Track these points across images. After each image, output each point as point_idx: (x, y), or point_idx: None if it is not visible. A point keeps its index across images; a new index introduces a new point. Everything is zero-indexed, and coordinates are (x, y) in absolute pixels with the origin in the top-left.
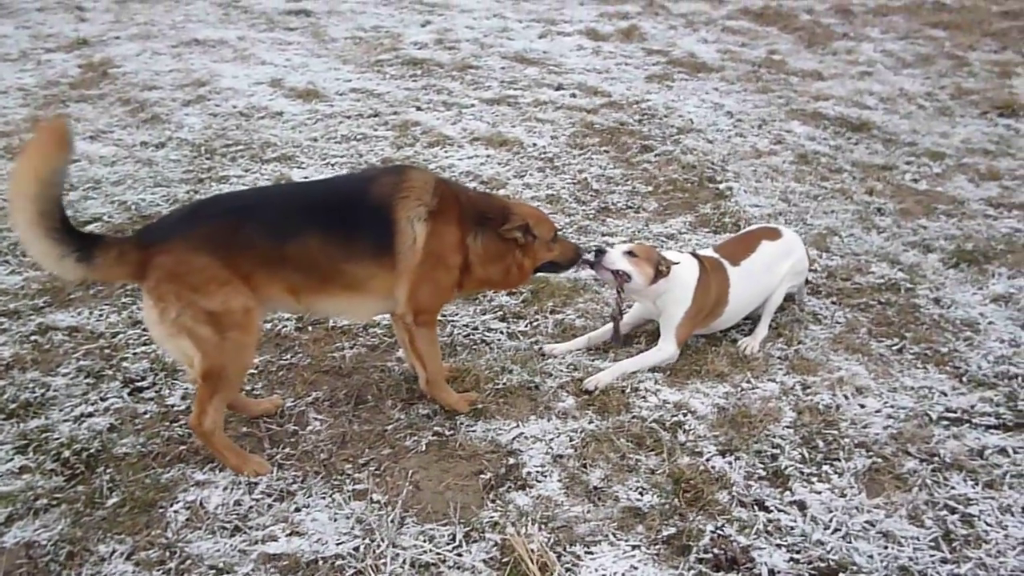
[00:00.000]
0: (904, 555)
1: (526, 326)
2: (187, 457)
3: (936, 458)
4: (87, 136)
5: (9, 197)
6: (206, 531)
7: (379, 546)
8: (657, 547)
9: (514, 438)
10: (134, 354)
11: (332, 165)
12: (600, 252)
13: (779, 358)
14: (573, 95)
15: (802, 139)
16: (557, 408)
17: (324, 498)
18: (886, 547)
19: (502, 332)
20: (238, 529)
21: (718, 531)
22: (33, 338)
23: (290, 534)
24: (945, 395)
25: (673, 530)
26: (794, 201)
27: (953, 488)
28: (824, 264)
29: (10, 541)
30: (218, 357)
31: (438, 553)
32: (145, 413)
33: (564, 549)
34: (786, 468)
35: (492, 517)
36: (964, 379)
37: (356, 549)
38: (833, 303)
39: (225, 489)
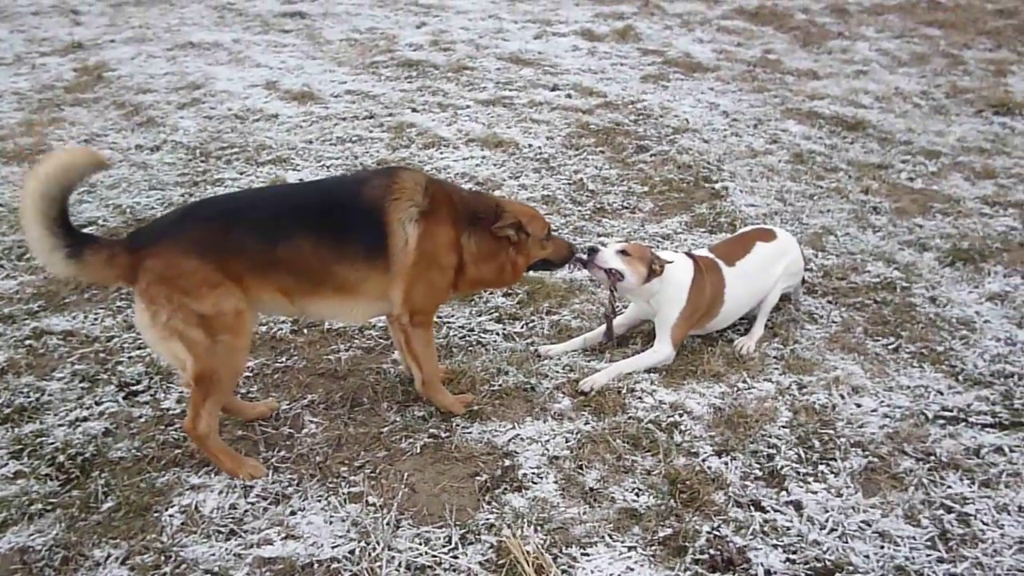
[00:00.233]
0: (900, 555)
1: (522, 327)
2: (182, 461)
3: (932, 457)
4: (82, 140)
5: (34, 181)
6: (201, 535)
7: (375, 549)
8: (653, 548)
9: (510, 440)
10: (129, 358)
11: (327, 167)
12: (593, 251)
13: (775, 358)
14: (569, 96)
15: (798, 138)
16: (553, 409)
17: (319, 501)
18: (882, 547)
19: (498, 333)
20: (233, 533)
21: (714, 532)
22: (28, 342)
23: (285, 537)
24: (941, 394)
25: (669, 531)
26: (790, 200)
27: (949, 487)
28: (820, 263)
29: (4, 546)
30: (210, 360)
31: (434, 555)
32: (140, 417)
33: (560, 551)
34: (782, 468)
35: (488, 519)
36: (960, 378)
37: (352, 552)
38: (829, 302)
39: (220, 493)
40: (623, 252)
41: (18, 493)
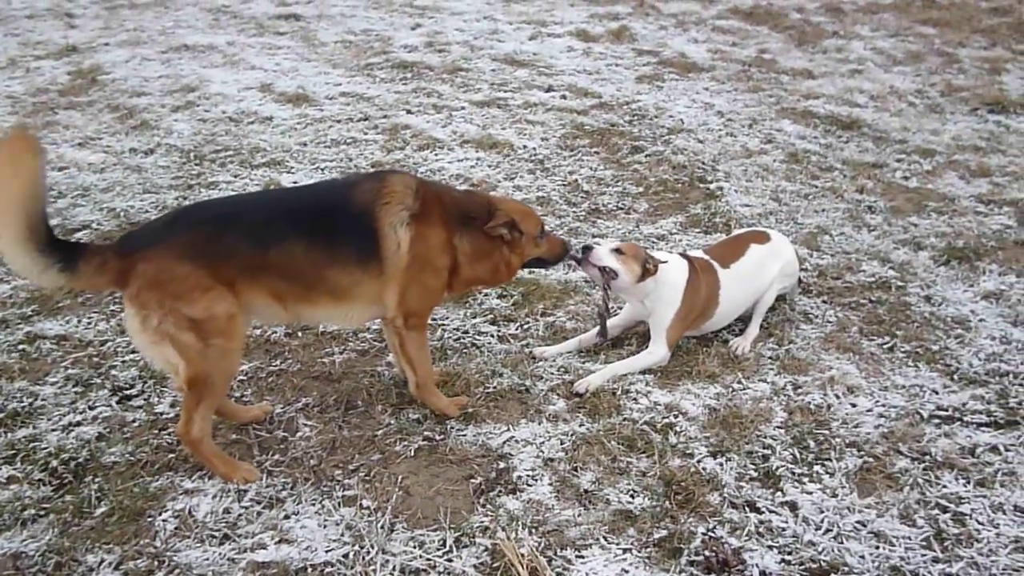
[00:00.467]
0: (896, 555)
1: (517, 329)
2: (176, 465)
3: (927, 457)
4: (76, 143)
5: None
6: (195, 540)
7: (368, 552)
8: (648, 550)
9: (504, 442)
10: (123, 362)
11: (322, 170)
12: (587, 249)
13: (770, 358)
14: (563, 96)
15: (792, 138)
16: (548, 411)
17: (313, 505)
18: (878, 547)
19: (492, 335)
20: (227, 537)
21: (709, 533)
22: (21, 347)
23: (279, 541)
24: (936, 393)
25: (664, 533)
26: (785, 200)
27: (945, 487)
28: (815, 263)
29: None
30: (202, 364)
31: (428, 559)
32: (134, 421)
33: (555, 553)
34: (777, 469)
35: (482, 522)
36: (955, 377)
37: (345, 556)
38: (824, 302)
39: (214, 497)
40: (617, 251)
41: (11, 499)
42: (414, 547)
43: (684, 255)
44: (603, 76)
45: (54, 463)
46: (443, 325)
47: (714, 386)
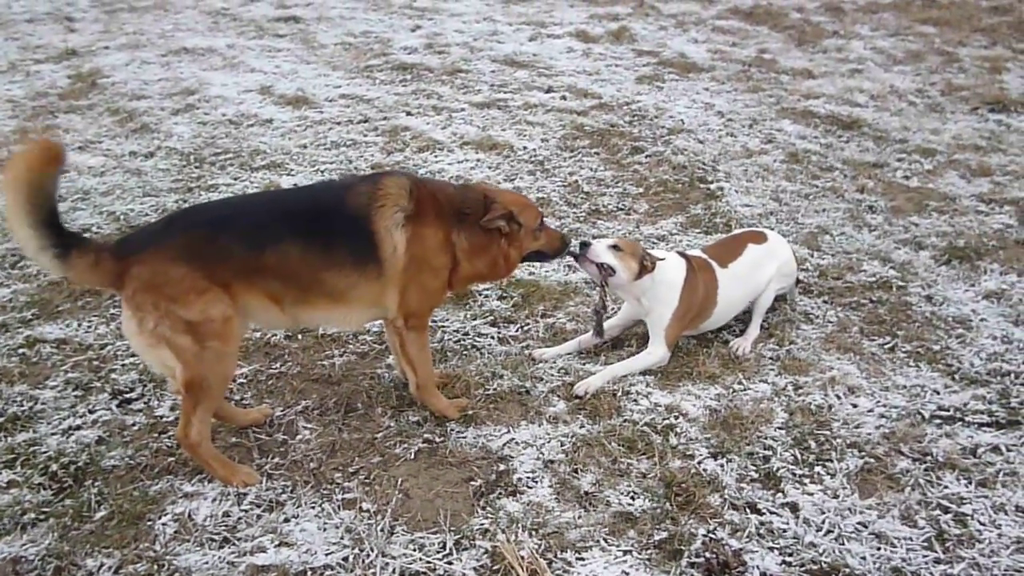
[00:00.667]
0: (897, 556)
1: (517, 331)
2: (175, 469)
3: (929, 457)
4: (76, 147)
5: (5, 184)
6: (194, 543)
7: (368, 555)
8: (649, 552)
9: (505, 444)
10: (122, 366)
11: (322, 172)
12: (585, 244)
13: (771, 359)
14: (563, 97)
15: (793, 138)
16: (548, 413)
17: (313, 508)
18: (879, 548)
19: (493, 337)
20: (227, 541)
21: (710, 535)
22: (21, 351)
23: (279, 545)
24: (937, 393)
25: (665, 534)
26: (785, 200)
27: (946, 487)
28: (815, 263)
29: None
30: (199, 367)
31: (428, 562)
32: (133, 425)
33: (555, 555)
34: (778, 470)
35: (482, 524)
36: (956, 377)
37: (345, 559)
38: (824, 302)
39: (214, 500)
40: (615, 247)
41: (11, 503)
42: (414, 550)
43: (682, 254)
44: (603, 77)
45: (54, 467)
46: (443, 327)
47: (714, 387)
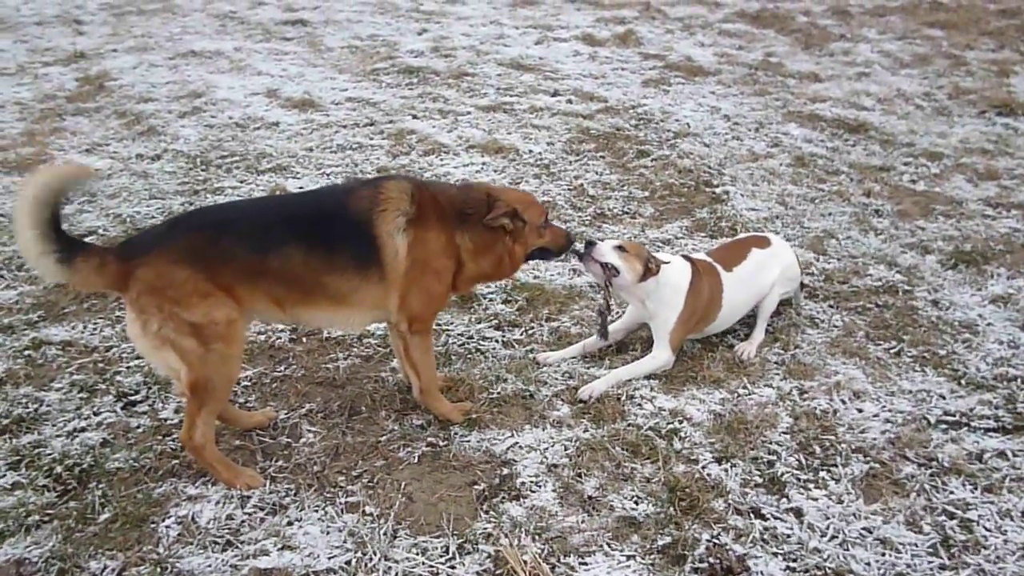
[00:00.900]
0: (902, 562)
1: (521, 334)
2: (179, 471)
3: (934, 462)
4: (83, 149)
5: (27, 190)
6: (198, 546)
7: (371, 559)
8: (652, 557)
9: (508, 448)
10: (127, 368)
11: (328, 175)
12: (590, 244)
13: (775, 363)
14: (569, 101)
15: (799, 141)
16: (552, 417)
17: (317, 511)
18: (884, 554)
19: (497, 341)
20: (230, 544)
21: (714, 540)
22: (27, 353)
23: (282, 548)
24: (943, 398)
25: (669, 539)
26: (791, 204)
27: (952, 493)
28: (821, 267)
29: (1, 558)
30: (203, 369)
31: (431, 566)
32: (138, 427)
33: (558, 560)
34: (783, 475)
35: (485, 528)
36: (963, 381)
37: (348, 563)
38: (830, 306)
39: (217, 503)
40: (620, 248)
41: (15, 504)
42: (417, 554)
43: (687, 257)
44: (609, 80)
45: (58, 469)
46: (447, 330)
47: (719, 391)
